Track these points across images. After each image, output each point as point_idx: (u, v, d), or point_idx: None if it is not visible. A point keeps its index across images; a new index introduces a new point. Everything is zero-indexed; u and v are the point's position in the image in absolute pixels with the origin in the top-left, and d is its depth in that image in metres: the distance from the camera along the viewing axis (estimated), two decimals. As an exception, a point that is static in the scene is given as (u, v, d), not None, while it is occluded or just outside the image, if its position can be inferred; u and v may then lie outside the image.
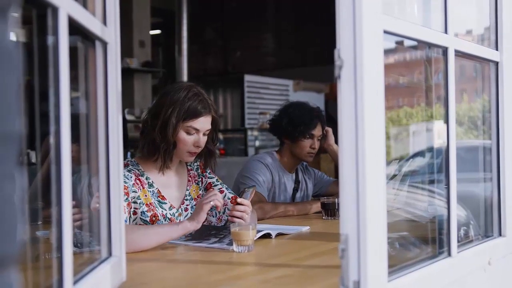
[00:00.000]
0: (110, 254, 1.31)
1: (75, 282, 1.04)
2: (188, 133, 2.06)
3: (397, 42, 1.37)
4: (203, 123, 2.07)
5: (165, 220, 2.08)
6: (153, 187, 2.10)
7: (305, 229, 2.24)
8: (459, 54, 1.49)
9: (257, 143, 7.15)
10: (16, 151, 0.53)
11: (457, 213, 1.47)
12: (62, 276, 0.96)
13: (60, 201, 0.96)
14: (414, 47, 1.62)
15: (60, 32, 0.96)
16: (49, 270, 1.06)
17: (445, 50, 1.43)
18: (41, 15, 0.96)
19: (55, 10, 0.95)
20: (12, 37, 0.54)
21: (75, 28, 1.05)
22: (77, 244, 1.25)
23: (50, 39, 0.96)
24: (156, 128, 2.04)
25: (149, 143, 2.08)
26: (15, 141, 0.52)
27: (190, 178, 2.24)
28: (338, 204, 2.54)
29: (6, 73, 0.50)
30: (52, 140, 0.97)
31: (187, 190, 2.21)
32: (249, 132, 7.10)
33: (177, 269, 1.64)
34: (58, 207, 0.96)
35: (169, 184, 2.16)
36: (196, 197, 2.23)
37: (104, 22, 1.29)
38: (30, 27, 0.99)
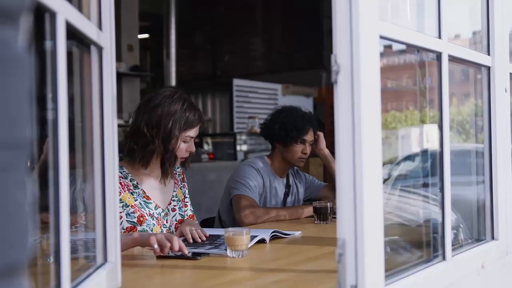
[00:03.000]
0: (105, 260, 1.30)
1: (72, 289, 1.03)
2: (185, 141, 2.18)
3: (385, 46, 1.37)
4: (197, 130, 2.21)
5: (152, 219, 2.14)
6: (138, 188, 2.17)
7: (298, 234, 2.25)
8: (452, 59, 1.50)
9: (246, 147, 7.13)
10: (26, 158, 0.52)
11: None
12: (59, 282, 0.95)
13: (58, 208, 0.95)
14: (403, 51, 1.63)
15: (58, 36, 0.95)
16: (43, 276, 1.05)
17: (439, 55, 1.44)
18: (37, 19, 0.95)
19: (53, 15, 0.94)
20: (23, 43, 0.54)
21: (70, 32, 1.04)
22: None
23: (47, 44, 0.96)
24: (157, 140, 2.11)
25: (148, 154, 2.13)
26: (26, 148, 0.52)
27: (176, 181, 2.33)
28: (330, 208, 2.54)
29: (17, 79, 0.49)
30: (49, 144, 0.96)
31: (174, 191, 2.30)
32: (238, 136, 7.08)
33: (172, 274, 1.63)
34: (56, 213, 0.95)
35: (155, 186, 2.23)
36: (181, 199, 2.32)
37: (100, 27, 1.28)
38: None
